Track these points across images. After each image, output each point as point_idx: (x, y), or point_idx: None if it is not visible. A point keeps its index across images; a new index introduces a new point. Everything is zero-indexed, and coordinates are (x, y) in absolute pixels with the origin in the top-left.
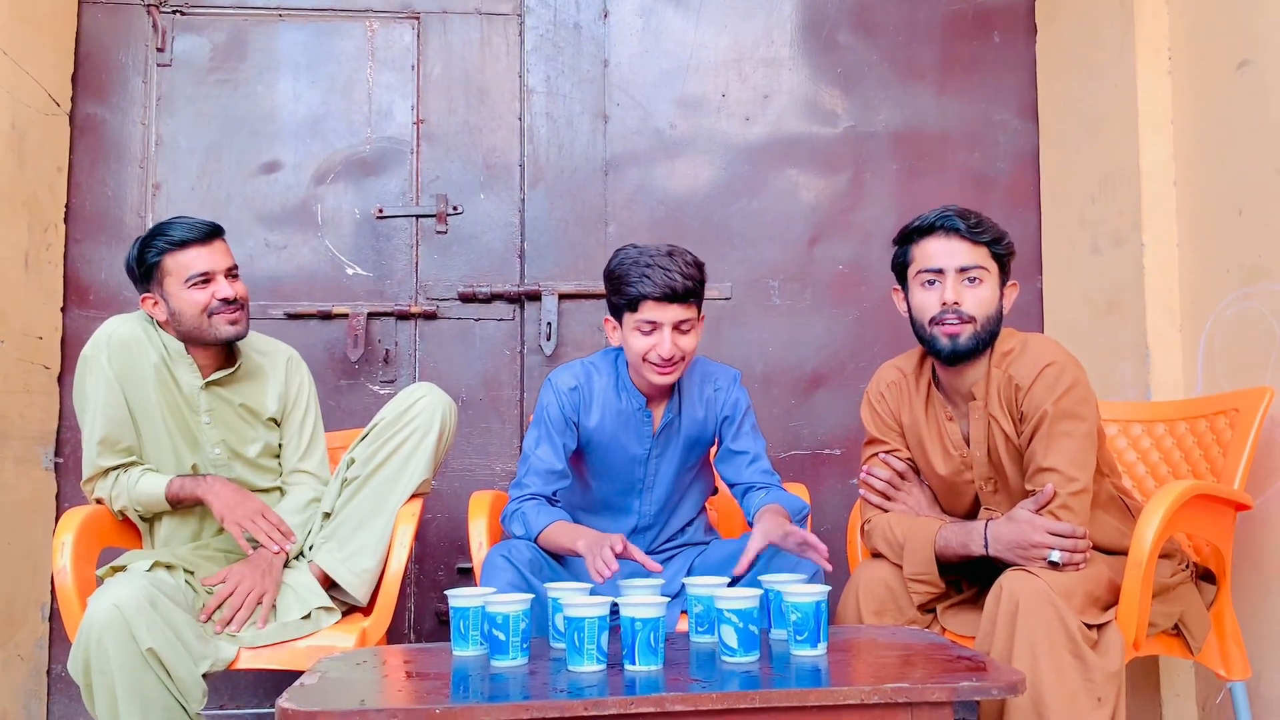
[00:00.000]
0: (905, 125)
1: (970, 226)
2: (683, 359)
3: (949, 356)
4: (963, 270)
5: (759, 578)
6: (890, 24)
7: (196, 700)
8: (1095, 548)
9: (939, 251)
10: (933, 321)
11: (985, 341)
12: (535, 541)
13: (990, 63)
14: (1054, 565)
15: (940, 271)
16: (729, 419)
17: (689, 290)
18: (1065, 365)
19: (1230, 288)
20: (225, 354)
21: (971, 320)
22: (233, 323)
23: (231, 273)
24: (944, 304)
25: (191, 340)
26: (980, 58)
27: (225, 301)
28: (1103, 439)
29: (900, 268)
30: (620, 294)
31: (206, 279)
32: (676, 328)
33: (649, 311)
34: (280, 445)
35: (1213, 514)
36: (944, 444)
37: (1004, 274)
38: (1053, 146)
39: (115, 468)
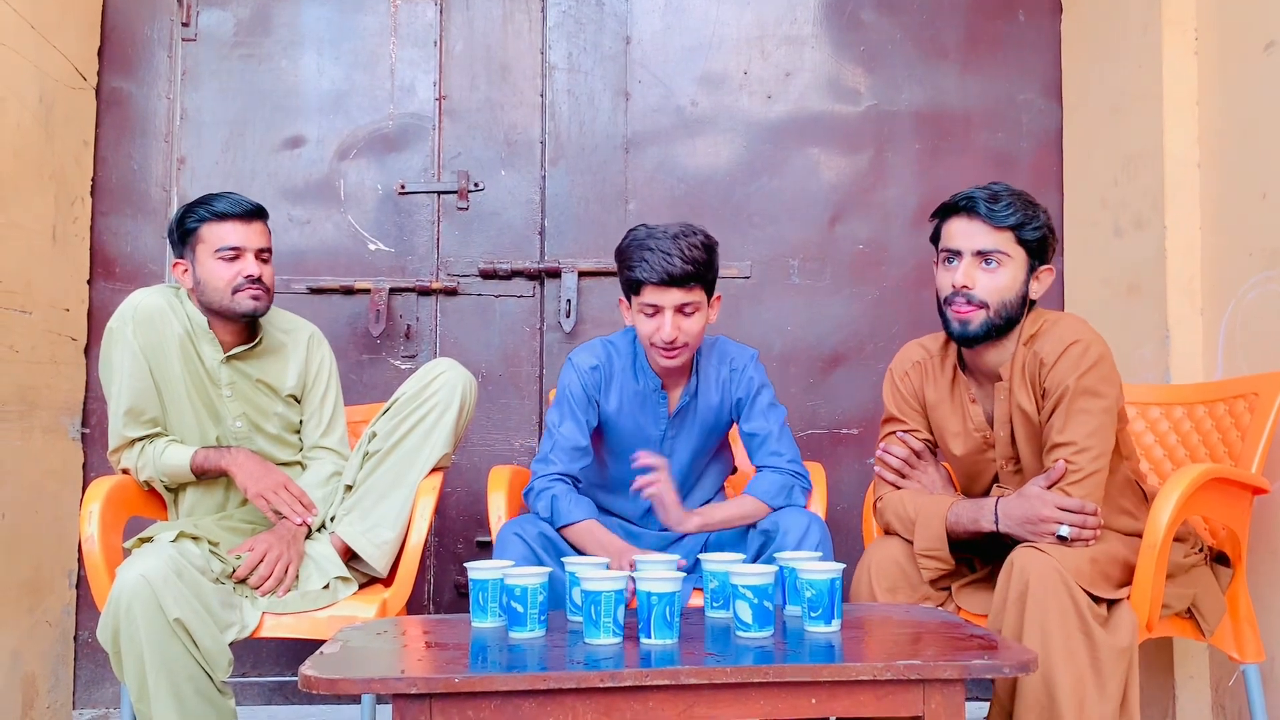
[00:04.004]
0: (928, 104)
1: (992, 210)
2: (686, 344)
3: (959, 339)
4: (980, 254)
5: (774, 555)
6: (914, 2)
7: (222, 669)
8: (1108, 529)
9: (959, 232)
10: (946, 302)
11: (1001, 328)
12: (560, 531)
13: (1014, 42)
14: (1063, 540)
15: (958, 253)
16: (742, 399)
17: (688, 275)
18: (1090, 343)
19: (1252, 271)
20: (247, 330)
21: (983, 306)
22: (255, 298)
23: (262, 255)
24: (954, 287)
25: (213, 313)
26: (1005, 37)
27: (250, 279)
28: (1124, 421)
29: (936, 242)
30: (624, 276)
31: (236, 254)
32: (679, 310)
33: (649, 295)
34: (301, 421)
35: (1229, 498)
36: (965, 425)
37: (1035, 259)
38: (1076, 127)
39: (141, 438)
